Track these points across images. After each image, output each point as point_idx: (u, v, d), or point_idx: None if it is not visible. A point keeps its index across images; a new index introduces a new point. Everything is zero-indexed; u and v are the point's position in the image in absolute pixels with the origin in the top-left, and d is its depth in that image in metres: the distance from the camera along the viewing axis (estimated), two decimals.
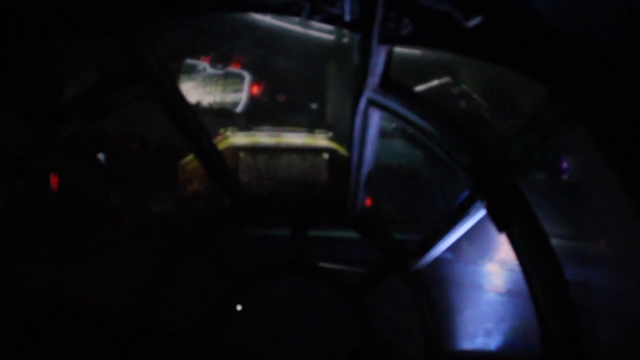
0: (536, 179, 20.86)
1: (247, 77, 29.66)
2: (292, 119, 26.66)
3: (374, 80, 2.46)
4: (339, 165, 21.38)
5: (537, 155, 2.21)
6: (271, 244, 7.37)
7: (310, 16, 2.58)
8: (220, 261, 4.01)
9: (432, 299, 3.97)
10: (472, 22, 2.07)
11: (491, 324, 7.98)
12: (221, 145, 20.40)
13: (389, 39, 2.22)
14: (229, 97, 29.57)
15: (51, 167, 2.78)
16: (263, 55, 29.81)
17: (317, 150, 22.28)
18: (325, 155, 22.18)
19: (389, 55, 2.41)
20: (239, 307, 7.41)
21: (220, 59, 29.22)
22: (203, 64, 29.36)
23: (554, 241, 2.41)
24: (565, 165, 24.33)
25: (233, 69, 29.73)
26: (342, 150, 21.71)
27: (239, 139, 21.75)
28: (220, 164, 3.37)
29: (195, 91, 28.34)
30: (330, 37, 31.06)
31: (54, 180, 14.36)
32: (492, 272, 13.71)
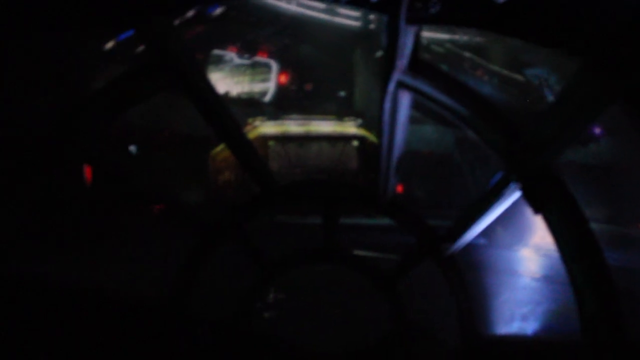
0: (573, 161, 20.33)
1: (275, 66, 29.65)
2: (320, 107, 26.61)
3: (402, 62, 2.42)
4: (369, 153, 21.22)
5: (570, 132, 2.14)
6: (303, 232, 7.43)
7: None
8: (251, 249, 4.04)
9: (466, 283, 3.93)
10: None
11: (527, 309, 7.85)
12: (251, 135, 20.52)
13: (417, 19, 2.17)
14: (257, 87, 29.67)
15: (82, 157, 2.84)
16: (289, 44, 29.73)
17: (346, 138, 22.18)
18: (355, 143, 22.06)
19: (417, 35, 2.36)
20: (271, 295, 7.51)
21: (247, 48, 29.27)
22: (230, 54, 29.48)
23: (593, 225, 2.34)
24: (597, 131, 23.51)
25: (260, 58, 29.76)
26: (371, 138, 21.52)
27: (268, 128, 21.83)
28: (251, 154, 3.39)
29: (224, 81, 28.54)
30: (357, 23, 30.70)
31: (87, 173, 14.72)
32: (527, 258, 13.51)
